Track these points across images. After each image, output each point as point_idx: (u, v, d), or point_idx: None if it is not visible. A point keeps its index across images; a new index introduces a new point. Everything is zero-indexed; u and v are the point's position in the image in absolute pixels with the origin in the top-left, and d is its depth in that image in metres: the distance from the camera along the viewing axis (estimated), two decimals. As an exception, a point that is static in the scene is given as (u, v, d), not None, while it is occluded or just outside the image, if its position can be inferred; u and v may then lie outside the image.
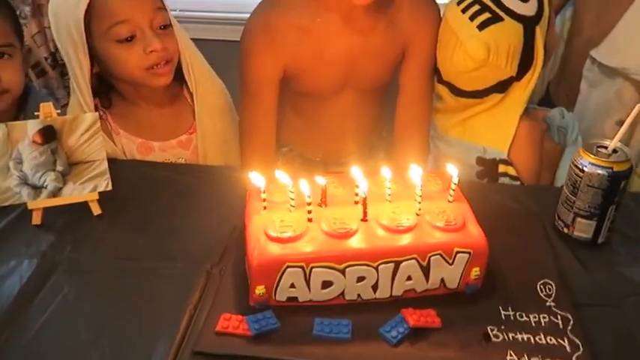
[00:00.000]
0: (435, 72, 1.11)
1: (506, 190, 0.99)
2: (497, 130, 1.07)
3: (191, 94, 1.12)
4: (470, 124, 1.10)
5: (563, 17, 1.44)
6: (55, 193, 0.85)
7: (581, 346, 0.66)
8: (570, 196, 0.82)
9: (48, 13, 1.30)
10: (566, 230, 0.84)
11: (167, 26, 1.03)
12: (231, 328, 0.67)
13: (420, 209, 0.74)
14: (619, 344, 0.68)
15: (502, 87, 1.04)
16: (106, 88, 1.09)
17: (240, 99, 1.14)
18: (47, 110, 0.84)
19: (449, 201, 0.76)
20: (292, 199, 0.74)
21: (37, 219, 0.85)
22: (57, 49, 1.37)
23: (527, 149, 1.07)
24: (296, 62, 1.08)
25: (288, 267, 0.68)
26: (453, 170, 0.75)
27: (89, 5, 0.96)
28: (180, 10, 1.77)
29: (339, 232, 0.70)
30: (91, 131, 0.85)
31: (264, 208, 0.74)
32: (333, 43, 1.06)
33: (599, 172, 0.78)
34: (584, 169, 0.79)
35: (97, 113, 0.86)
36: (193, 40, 1.13)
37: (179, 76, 1.10)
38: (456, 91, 1.08)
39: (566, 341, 0.67)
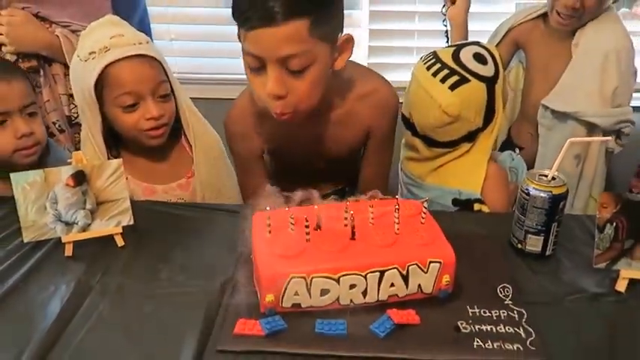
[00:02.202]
0: (410, 127, 1.27)
1: (469, 216, 1.16)
2: (469, 174, 1.22)
3: (189, 143, 1.28)
4: (444, 171, 1.25)
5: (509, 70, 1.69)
6: (85, 228, 0.98)
7: (533, 333, 0.81)
8: (520, 216, 0.98)
9: (61, 83, 1.46)
10: (519, 246, 0.99)
11: (167, 95, 1.19)
12: (247, 330, 0.80)
13: (397, 229, 0.89)
14: (562, 332, 0.83)
15: (471, 137, 1.21)
16: (115, 140, 1.25)
17: (235, 169, 1.32)
18: (78, 158, 0.98)
19: (421, 222, 0.92)
20: (292, 224, 0.89)
21: (69, 251, 0.98)
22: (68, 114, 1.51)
23: (497, 187, 1.22)
24: (270, 142, 1.24)
25: (292, 278, 0.81)
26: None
27: (102, 74, 1.12)
28: (180, 73, 1.95)
29: (333, 249, 0.85)
30: (115, 175, 0.99)
31: (269, 232, 0.89)
32: (300, 129, 1.18)
33: (542, 195, 0.95)
34: (530, 193, 0.96)
35: (120, 160, 0.99)
36: (193, 99, 1.30)
37: (178, 128, 1.26)
38: (431, 143, 1.24)
39: (521, 329, 0.81)
